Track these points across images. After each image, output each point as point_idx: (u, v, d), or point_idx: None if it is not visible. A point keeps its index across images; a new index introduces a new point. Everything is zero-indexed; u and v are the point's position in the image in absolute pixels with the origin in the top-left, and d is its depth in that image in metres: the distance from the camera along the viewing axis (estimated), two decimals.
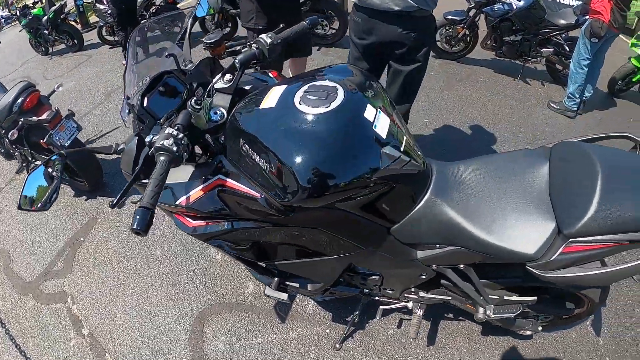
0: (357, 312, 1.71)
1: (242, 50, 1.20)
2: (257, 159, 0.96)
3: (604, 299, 1.35)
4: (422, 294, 1.46)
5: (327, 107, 0.95)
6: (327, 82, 1.02)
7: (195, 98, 1.05)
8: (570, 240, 1.00)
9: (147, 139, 1.01)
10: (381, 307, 1.61)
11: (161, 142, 0.87)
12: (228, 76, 1.16)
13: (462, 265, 1.23)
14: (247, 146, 0.99)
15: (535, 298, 1.32)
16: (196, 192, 1.10)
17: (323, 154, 0.92)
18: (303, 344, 1.79)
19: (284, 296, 1.43)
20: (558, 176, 1.10)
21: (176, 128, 0.92)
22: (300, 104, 0.97)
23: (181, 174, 1.12)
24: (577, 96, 3.45)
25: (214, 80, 1.16)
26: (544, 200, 1.08)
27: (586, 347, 1.80)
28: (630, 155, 1.21)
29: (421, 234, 1.15)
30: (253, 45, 1.19)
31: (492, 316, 1.33)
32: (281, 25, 1.32)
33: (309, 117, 0.94)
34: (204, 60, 1.29)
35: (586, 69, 3.33)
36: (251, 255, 1.30)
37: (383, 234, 1.16)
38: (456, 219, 1.10)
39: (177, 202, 1.12)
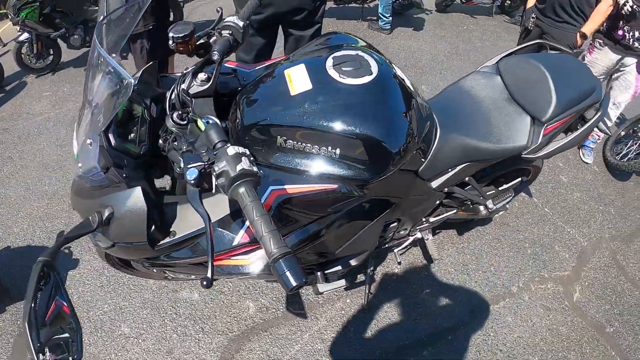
0: (369, 269, 1.75)
1: (211, 41, 0.97)
2: (318, 148, 0.85)
3: (542, 166, 1.75)
4: (431, 219, 1.59)
5: (370, 74, 0.91)
6: (346, 52, 0.96)
7: (174, 114, 0.84)
8: (545, 124, 1.31)
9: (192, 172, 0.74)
10: (396, 250, 1.70)
11: (239, 168, 0.66)
12: (202, 75, 0.95)
13: (467, 178, 1.39)
14: (293, 141, 0.86)
15: (519, 179, 1.61)
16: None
17: (395, 116, 0.91)
18: (336, 324, 1.77)
19: (341, 282, 1.36)
20: (514, 84, 1.38)
21: (229, 144, 0.71)
22: (342, 77, 0.89)
23: (214, 210, 0.89)
24: (387, 16, 4.19)
25: (183, 86, 0.93)
26: (512, 104, 1.36)
27: (530, 209, 2.31)
28: (554, 55, 1.59)
29: (439, 165, 1.26)
30: (223, 32, 0.98)
31: (494, 207, 1.57)
32: (218, 10, 1.10)
33: (363, 88, 0.89)
34: (147, 69, 1.01)
35: None
36: (308, 259, 1.18)
37: (413, 178, 1.21)
38: (463, 140, 1.25)
39: (239, 241, 0.91)
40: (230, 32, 0.98)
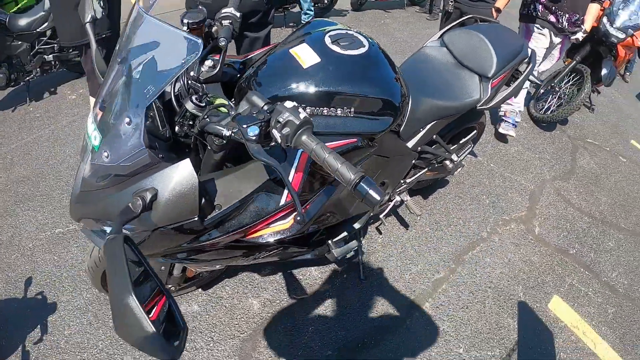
0: (359, 241, 1.85)
1: (213, 30, 1.08)
2: (335, 110, 1.00)
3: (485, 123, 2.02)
4: (407, 180, 1.74)
5: (364, 46, 1.07)
6: (337, 31, 1.10)
7: (192, 97, 0.87)
8: (491, 79, 1.56)
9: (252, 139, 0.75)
10: (381, 216, 1.82)
11: (302, 116, 0.72)
12: (209, 62, 1.06)
13: (434, 136, 1.59)
14: (313, 107, 0.99)
15: (474, 132, 1.85)
16: (296, 177, 0.99)
17: (391, 79, 1.11)
18: (338, 299, 1.81)
19: (354, 243, 1.47)
20: (459, 52, 1.63)
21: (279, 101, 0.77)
22: (343, 50, 1.03)
23: (249, 182, 0.95)
24: (312, 11, 4.51)
25: (192, 73, 0.98)
26: (461, 68, 1.61)
27: (478, 167, 2.57)
28: (484, 25, 1.88)
29: (413, 125, 1.43)
30: (224, 21, 1.09)
31: (457, 159, 1.78)
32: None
33: (362, 57, 1.05)
34: None
35: None
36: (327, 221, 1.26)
37: (396, 139, 1.37)
38: (430, 101, 1.46)
39: (283, 201, 0.98)
40: (230, 21, 1.09)
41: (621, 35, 2.85)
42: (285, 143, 0.73)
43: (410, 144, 1.48)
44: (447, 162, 1.80)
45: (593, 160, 3.20)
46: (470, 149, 2.07)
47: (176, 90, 0.92)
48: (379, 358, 1.63)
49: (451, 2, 2.80)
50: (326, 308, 1.78)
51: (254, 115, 0.76)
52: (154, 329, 0.52)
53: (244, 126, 0.73)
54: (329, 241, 1.38)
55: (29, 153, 2.49)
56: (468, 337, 1.76)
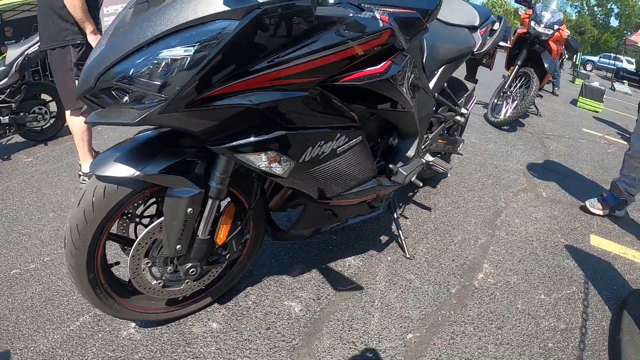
0: (395, 216, 1.79)
1: None
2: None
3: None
4: (430, 136, 1.78)
5: None
6: None
7: None
8: (478, 29, 1.84)
9: None
10: (413, 180, 1.79)
11: None
12: None
13: (445, 85, 1.72)
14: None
15: (474, 86, 2.04)
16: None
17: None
18: (392, 282, 1.62)
19: (418, 161, 1.43)
20: (443, 16, 1.80)
21: None
22: None
23: None
24: None
25: None
26: (449, 27, 1.80)
27: (468, 163, 2.70)
28: None
29: (431, 63, 1.55)
30: None
31: (467, 112, 1.90)
32: None
33: None
34: None
35: None
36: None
37: (422, 72, 1.45)
38: (439, 44, 1.60)
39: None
40: None
41: (549, 32, 3.44)
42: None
43: (430, 85, 1.57)
44: (459, 118, 1.89)
45: (560, 145, 3.53)
46: (473, 102, 2.20)
47: None
48: (468, 331, 1.44)
49: None
50: (384, 293, 1.57)
51: None
52: None
53: None
54: (390, 165, 1.32)
55: None
56: (540, 283, 1.64)
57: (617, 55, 19.09)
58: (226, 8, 0.72)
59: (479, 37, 1.76)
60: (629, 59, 16.61)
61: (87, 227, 0.97)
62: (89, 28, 2.01)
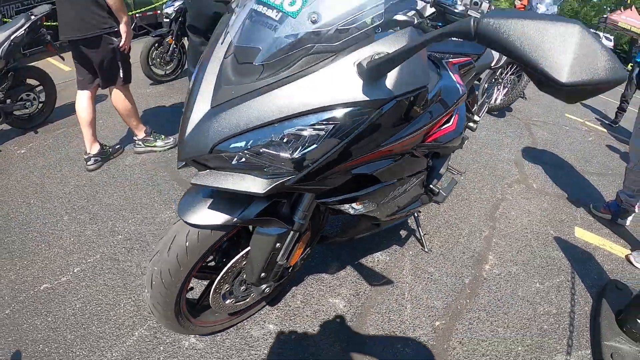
0: (415, 214, 2.03)
1: None
2: None
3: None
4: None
5: None
6: None
7: None
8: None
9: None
10: (431, 185, 2.03)
11: None
12: None
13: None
14: None
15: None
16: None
17: None
18: (417, 274, 1.89)
19: (453, 182, 1.61)
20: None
21: None
22: None
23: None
24: None
25: None
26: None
27: (465, 151, 2.95)
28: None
29: None
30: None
31: (479, 119, 2.09)
32: None
33: None
34: None
35: None
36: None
37: None
38: None
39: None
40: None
41: None
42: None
43: None
44: (471, 124, 2.10)
45: (545, 132, 3.85)
46: (485, 110, 2.39)
47: None
48: (482, 317, 1.75)
49: None
50: (411, 286, 1.81)
51: None
52: None
53: None
54: (431, 186, 1.51)
55: None
56: (536, 273, 1.98)
57: (597, 32, 19.53)
58: (365, 98, 0.75)
59: (497, 52, 1.93)
60: (608, 35, 17.00)
61: (181, 270, 1.03)
62: (123, 18, 2.16)
